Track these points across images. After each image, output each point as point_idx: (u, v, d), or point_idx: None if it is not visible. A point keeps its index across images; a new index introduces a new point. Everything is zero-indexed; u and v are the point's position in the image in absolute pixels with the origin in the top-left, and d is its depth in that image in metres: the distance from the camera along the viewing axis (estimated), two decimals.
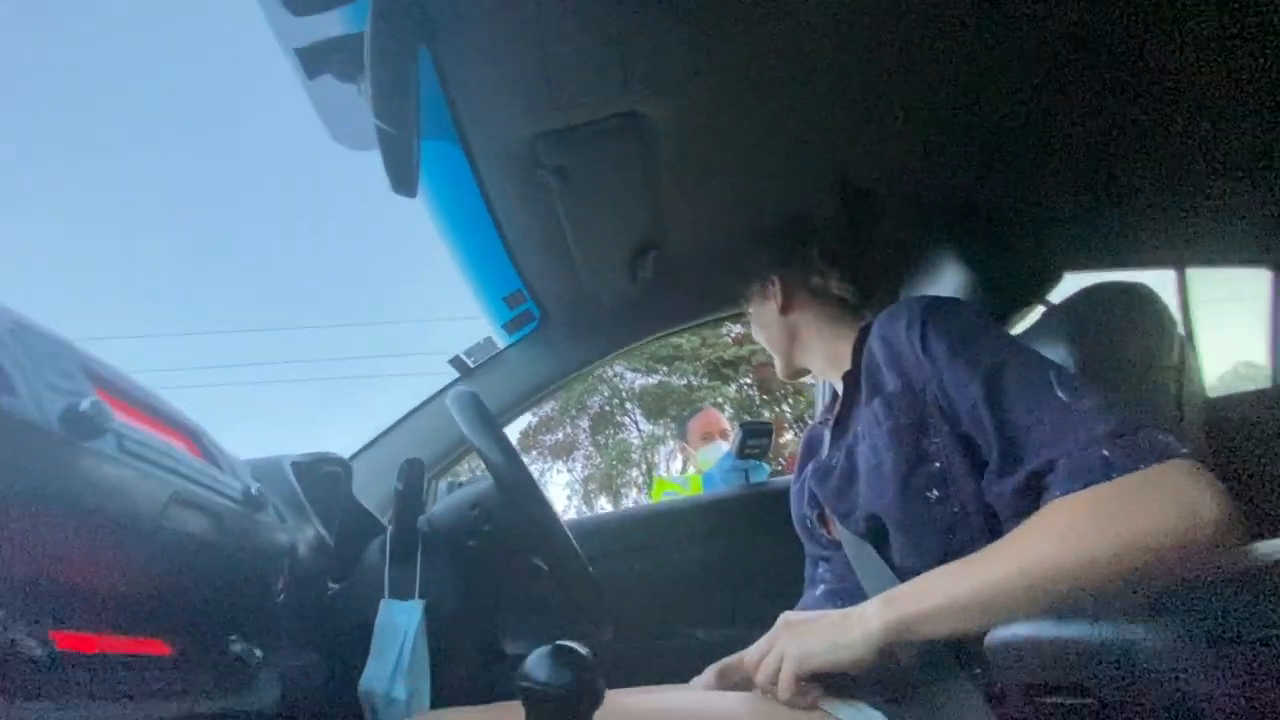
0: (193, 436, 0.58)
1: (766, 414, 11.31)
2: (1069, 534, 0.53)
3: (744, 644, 0.95)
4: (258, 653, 0.55)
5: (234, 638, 0.54)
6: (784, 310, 0.91)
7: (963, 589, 0.57)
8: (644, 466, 12.08)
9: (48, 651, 0.36)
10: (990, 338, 0.67)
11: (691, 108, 0.93)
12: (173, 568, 0.48)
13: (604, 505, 11.93)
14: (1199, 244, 1.38)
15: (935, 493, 0.66)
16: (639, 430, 12.21)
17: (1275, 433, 1.00)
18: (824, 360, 0.90)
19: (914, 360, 0.69)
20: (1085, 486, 0.54)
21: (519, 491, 0.74)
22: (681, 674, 0.92)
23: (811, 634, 0.62)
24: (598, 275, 1.24)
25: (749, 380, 11.17)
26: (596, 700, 0.41)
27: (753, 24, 0.81)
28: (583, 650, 0.42)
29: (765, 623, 0.99)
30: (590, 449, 12.14)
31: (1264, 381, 1.51)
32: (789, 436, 11.51)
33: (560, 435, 12.06)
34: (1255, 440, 0.96)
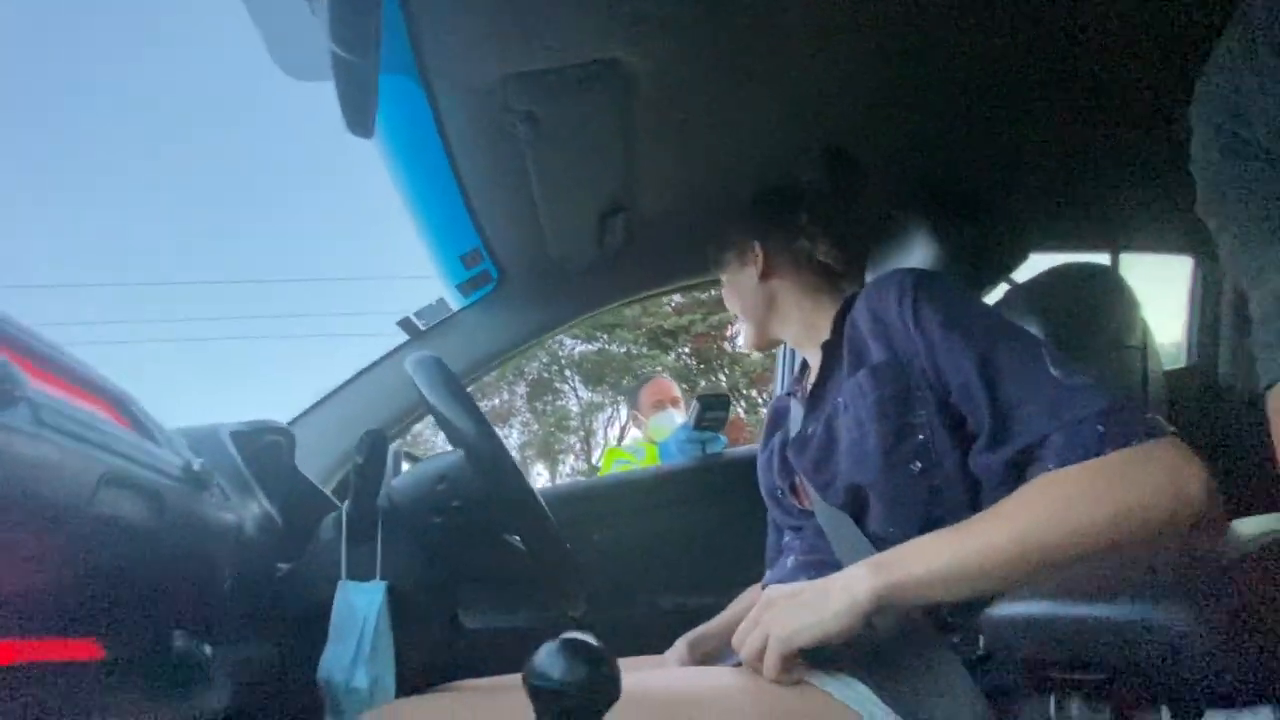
0: (119, 405, 0.49)
1: (702, 383, 11.51)
2: (1061, 504, 0.54)
3: (709, 612, 0.95)
4: (205, 649, 0.48)
5: (177, 633, 0.47)
6: (764, 276, 0.89)
7: (953, 556, 0.57)
8: (582, 434, 12.08)
9: None
10: (982, 314, 0.68)
11: (675, 61, 0.88)
12: (106, 558, 0.40)
13: (541, 472, 11.89)
14: (1135, 231, 1.46)
15: (919, 464, 0.66)
16: (577, 397, 12.17)
17: (1201, 407, 1.08)
18: (800, 330, 0.89)
19: (903, 333, 0.68)
20: (1079, 461, 0.55)
21: (492, 464, 0.69)
22: (646, 642, 0.91)
23: (795, 610, 0.61)
24: (562, 236, 1.17)
25: (687, 350, 11.28)
26: (615, 696, 0.37)
27: None
28: (595, 642, 0.38)
29: (727, 590, 1.00)
30: (528, 415, 12.01)
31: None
32: None
33: (497, 402, 11.85)
34: (1191, 414, 1.03)
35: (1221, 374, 1.37)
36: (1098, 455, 0.54)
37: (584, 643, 0.37)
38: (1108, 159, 1.20)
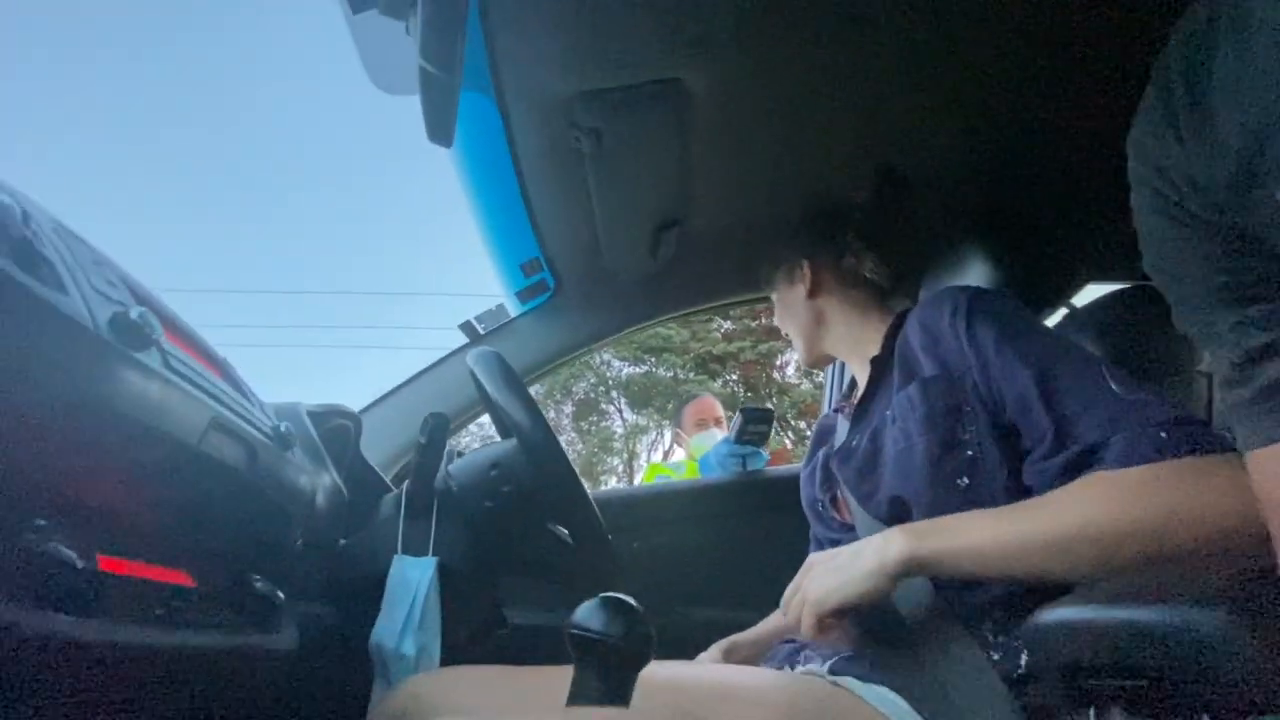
0: (222, 368, 0.55)
1: None
2: (1113, 500, 0.53)
3: (742, 627, 0.95)
4: (280, 594, 0.53)
5: (257, 577, 0.52)
6: (812, 294, 0.91)
7: (991, 533, 0.56)
8: (625, 455, 12.10)
9: (89, 566, 0.34)
10: (1038, 331, 0.68)
11: (734, 82, 0.92)
12: (205, 496, 0.46)
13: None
14: None
15: (965, 480, 0.66)
16: (622, 419, 12.22)
17: None
18: (849, 345, 0.90)
19: (956, 348, 0.69)
20: (1139, 464, 0.53)
21: (543, 453, 0.73)
22: (678, 653, 0.92)
23: (828, 572, 0.62)
24: (618, 248, 1.22)
25: (735, 377, 11.20)
26: (649, 652, 0.40)
27: (808, 3, 0.80)
28: (633, 602, 0.41)
29: (762, 606, 0.99)
30: (573, 435, 12.12)
31: None
32: (771, 435, 11.55)
33: None
34: None
35: None
36: (1158, 459, 0.53)
37: (623, 600, 0.40)
38: None
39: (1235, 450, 0.52)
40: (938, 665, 0.62)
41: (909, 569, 0.58)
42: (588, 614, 0.39)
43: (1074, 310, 0.96)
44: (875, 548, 0.60)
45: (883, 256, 0.87)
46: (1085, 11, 0.81)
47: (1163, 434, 0.54)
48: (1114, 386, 0.59)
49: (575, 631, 0.39)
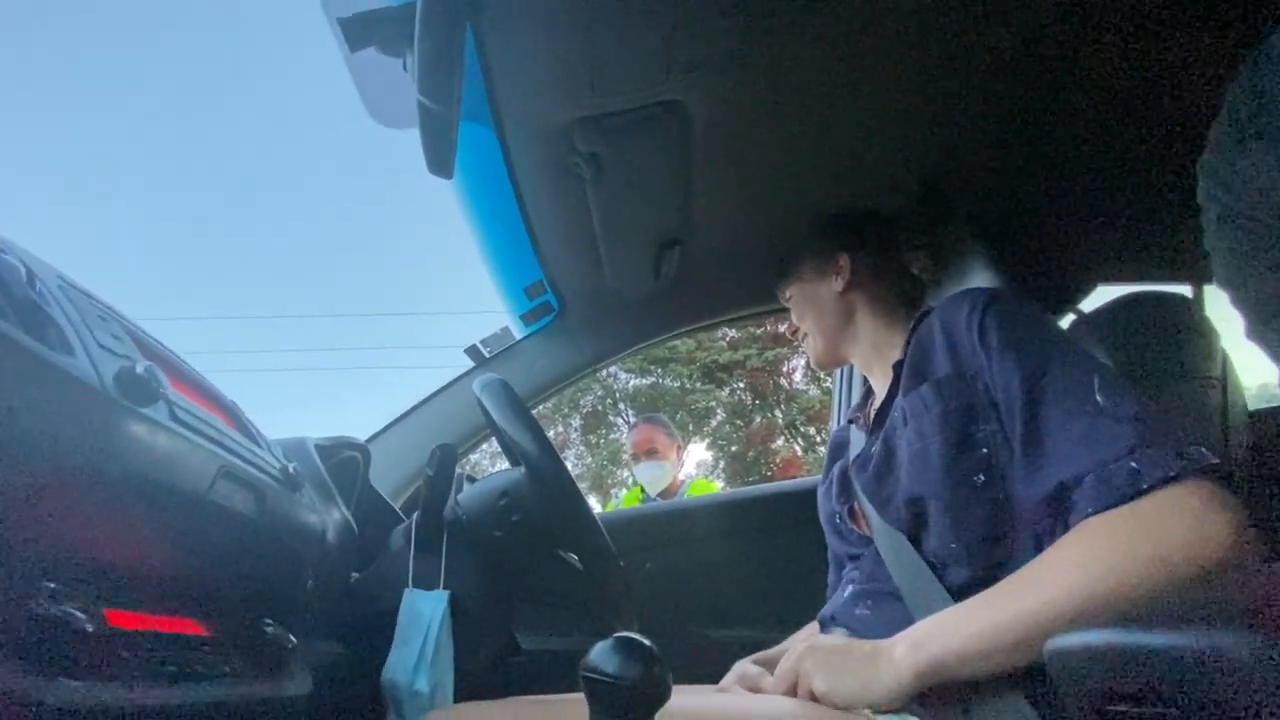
0: (230, 413, 0.56)
1: (758, 419, 11.33)
2: (1092, 564, 0.54)
3: (758, 646, 0.94)
4: (291, 638, 0.52)
5: (268, 622, 0.51)
6: (846, 290, 0.89)
7: (989, 627, 0.56)
8: None
9: (98, 627, 0.34)
10: (1043, 337, 0.67)
11: (732, 101, 0.92)
12: (215, 545, 0.45)
13: (593, 505, 11.90)
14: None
15: (981, 478, 0.66)
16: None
17: None
18: (871, 348, 0.88)
19: (969, 348, 0.69)
20: (1112, 502, 0.54)
21: (552, 481, 0.73)
22: (695, 673, 0.91)
23: (840, 671, 0.61)
24: (620, 269, 1.22)
25: (742, 384, 11.18)
26: (665, 695, 0.39)
27: (803, 20, 0.80)
28: (648, 643, 0.40)
29: (779, 625, 0.98)
30: (582, 448, 12.11)
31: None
32: (780, 442, 11.53)
33: (552, 433, 12.01)
34: None
35: None
36: (1131, 496, 0.54)
37: (638, 642, 0.39)
38: (1186, 186, 1.16)
39: (1210, 464, 0.53)
40: (963, 691, 0.61)
41: (926, 683, 0.58)
42: (602, 656, 0.38)
43: (1081, 315, 0.95)
44: (889, 659, 0.59)
45: (935, 255, 0.87)
46: (1093, 16, 0.81)
47: (1132, 463, 0.54)
48: (1099, 399, 0.59)
49: (589, 675, 0.38)
